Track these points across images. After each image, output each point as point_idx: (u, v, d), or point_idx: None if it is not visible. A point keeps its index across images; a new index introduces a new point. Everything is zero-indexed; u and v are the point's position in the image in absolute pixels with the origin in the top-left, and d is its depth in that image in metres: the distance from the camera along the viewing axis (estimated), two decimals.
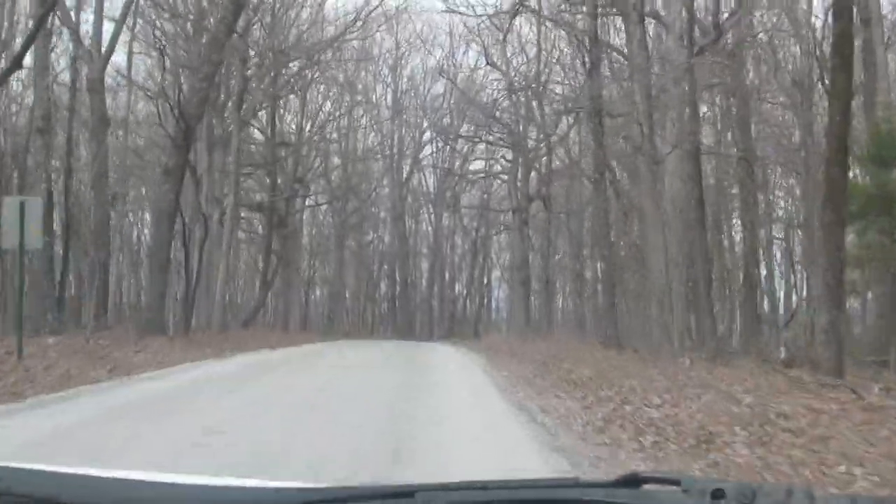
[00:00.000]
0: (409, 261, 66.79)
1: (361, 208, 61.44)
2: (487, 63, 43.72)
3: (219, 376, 16.15)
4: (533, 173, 44.94)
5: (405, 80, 62.05)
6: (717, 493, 1.51)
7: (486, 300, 72.93)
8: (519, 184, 44.13)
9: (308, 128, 49.30)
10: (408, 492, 1.58)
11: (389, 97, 61.85)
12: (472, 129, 57.10)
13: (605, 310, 27.98)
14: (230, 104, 35.53)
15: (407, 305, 65.14)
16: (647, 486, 1.61)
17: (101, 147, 28.15)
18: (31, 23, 24.06)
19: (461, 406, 12.05)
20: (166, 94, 26.81)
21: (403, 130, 62.89)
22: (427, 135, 63.45)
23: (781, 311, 40.22)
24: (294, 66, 42.46)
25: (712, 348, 20.28)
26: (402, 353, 27.61)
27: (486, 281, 72.58)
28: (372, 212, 65.13)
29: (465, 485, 1.63)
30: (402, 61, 61.07)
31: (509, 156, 47.73)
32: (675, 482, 1.57)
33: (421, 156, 65.16)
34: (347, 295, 67.25)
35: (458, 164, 60.62)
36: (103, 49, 29.67)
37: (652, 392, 13.11)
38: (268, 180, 45.01)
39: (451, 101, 56.87)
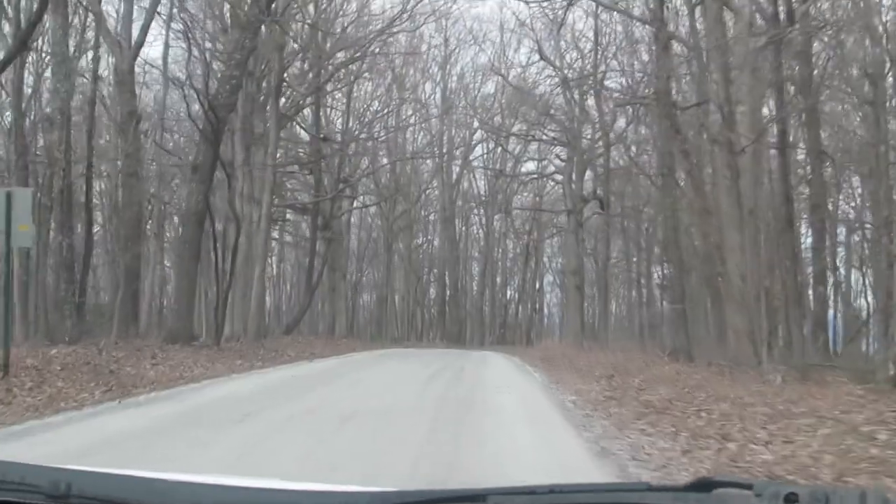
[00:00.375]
0: (459, 265, 64.24)
1: (410, 211, 59.19)
2: (541, 58, 41.21)
3: (234, 398, 13.72)
4: (588, 173, 42.48)
5: (455, 78, 59.74)
6: (791, 497, 1.46)
7: (538, 305, 70.59)
8: (574, 185, 41.60)
9: (354, 126, 46.98)
10: (479, 495, 1.57)
11: (438, 96, 59.52)
12: (525, 128, 54.94)
13: (673, 317, 25.31)
14: (270, 98, 33.26)
15: (457, 311, 62.56)
16: (718, 491, 1.55)
17: (130, 143, 25.97)
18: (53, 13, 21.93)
19: (526, 450, 9.38)
20: (193, 83, 24.57)
21: (453, 130, 60.46)
22: (478, 135, 61.06)
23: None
24: (339, 57, 40.23)
25: (802, 363, 17.69)
26: (452, 364, 25.09)
27: (538, 286, 70.25)
28: (421, 214, 62.91)
29: (534, 489, 1.59)
30: (452, 58, 58.84)
31: (563, 155, 45.33)
32: (748, 486, 1.53)
33: (471, 157, 62.72)
34: (396, 300, 65.08)
35: (509, 165, 58.04)
36: (133, 40, 27.59)
37: (751, 421, 10.65)
38: (311, 180, 42.71)
39: (503, 100, 54.48)
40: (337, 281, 49.17)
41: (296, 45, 36.11)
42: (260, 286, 30.15)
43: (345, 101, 45.78)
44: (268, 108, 32.47)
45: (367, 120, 48.78)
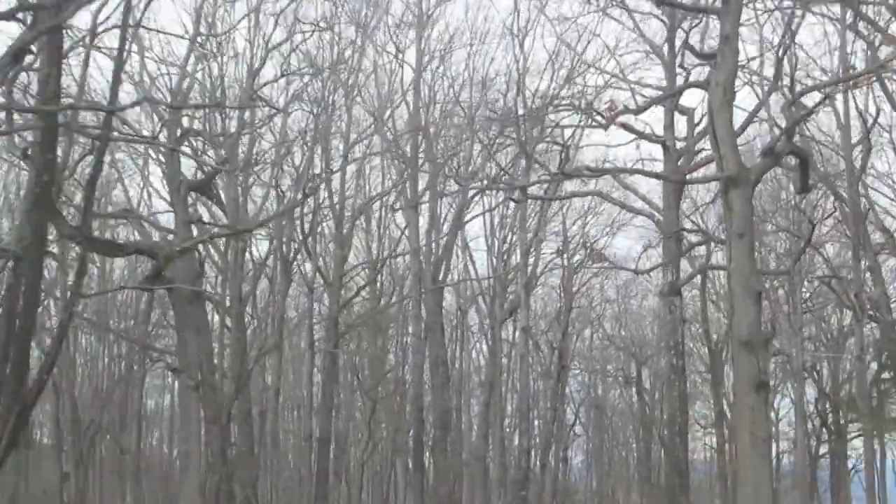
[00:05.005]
0: (448, 390, 35.83)
1: (369, 294, 32.66)
2: None
3: None
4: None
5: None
6: None
7: (562, 452, 45.77)
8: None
9: None
10: None
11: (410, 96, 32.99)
12: None
13: None
14: None
15: (445, 462, 34.16)
16: None
17: None
18: None
19: None
20: None
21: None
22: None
23: None
24: None
25: None
26: None
27: (571, 423, 44.90)
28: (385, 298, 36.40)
29: None
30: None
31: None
32: None
33: (467, 214, 35.83)
34: (348, 441, 38.27)
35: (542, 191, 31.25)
36: None
37: None
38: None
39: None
40: (188, 402, 21.69)
41: None
42: None
43: None
44: None
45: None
